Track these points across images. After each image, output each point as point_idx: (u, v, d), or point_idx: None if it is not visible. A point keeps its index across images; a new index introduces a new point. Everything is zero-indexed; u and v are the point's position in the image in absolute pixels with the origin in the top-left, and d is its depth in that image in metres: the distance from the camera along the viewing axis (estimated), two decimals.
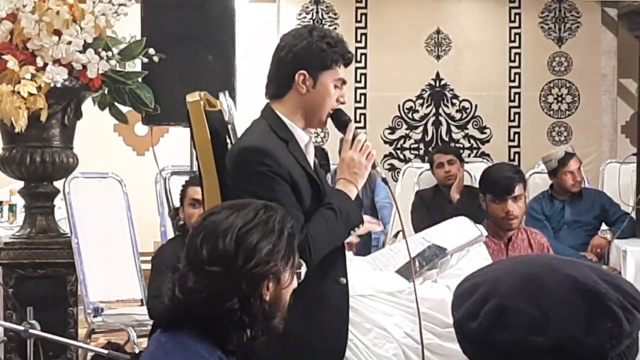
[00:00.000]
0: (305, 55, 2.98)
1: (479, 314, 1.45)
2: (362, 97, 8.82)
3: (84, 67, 4.62)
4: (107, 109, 5.02)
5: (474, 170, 7.06)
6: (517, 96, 8.92)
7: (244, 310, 2.17)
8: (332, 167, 7.40)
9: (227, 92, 3.26)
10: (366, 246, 6.53)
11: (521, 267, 1.51)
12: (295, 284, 2.33)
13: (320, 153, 6.67)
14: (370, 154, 3.03)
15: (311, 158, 3.09)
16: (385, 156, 8.86)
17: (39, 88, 4.50)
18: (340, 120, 3.06)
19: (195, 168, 4.96)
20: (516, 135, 8.93)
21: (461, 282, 1.56)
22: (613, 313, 1.41)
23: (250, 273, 2.16)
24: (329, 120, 3.08)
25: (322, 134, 8.45)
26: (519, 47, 8.91)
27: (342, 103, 3.10)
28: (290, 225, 2.27)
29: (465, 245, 3.13)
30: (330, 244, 2.92)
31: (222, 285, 2.16)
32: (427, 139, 8.90)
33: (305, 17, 8.82)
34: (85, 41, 4.61)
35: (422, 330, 2.93)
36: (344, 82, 3.08)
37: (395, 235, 6.56)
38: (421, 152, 8.86)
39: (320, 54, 2.99)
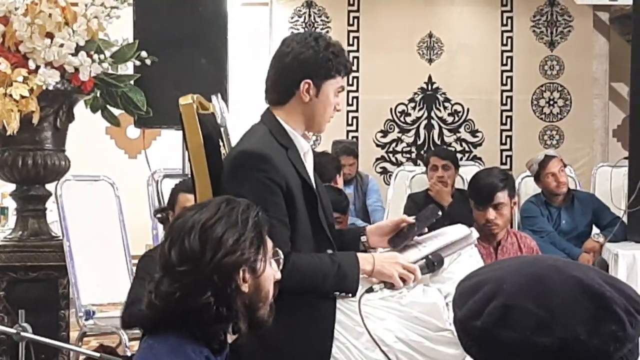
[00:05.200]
0: (312, 64, 2.99)
1: (482, 312, 1.45)
2: (355, 100, 8.82)
3: (76, 70, 4.62)
4: (99, 112, 5.01)
5: (465, 173, 7.08)
6: (509, 100, 8.93)
7: (220, 303, 2.19)
8: None
9: (219, 95, 3.26)
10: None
11: (526, 267, 1.51)
12: (275, 272, 2.34)
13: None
14: (398, 281, 2.96)
15: (310, 166, 3.10)
16: (377, 159, 8.87)
17: (31, 91, 4.50)
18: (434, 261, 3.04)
19: (187, 171, 4.95)
20: (508, 139, 8.94)
21: (463, 280, 1.56)
22: (618, 316, 1.42)
23: (220, 265, 2.19)
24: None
25: (314, 137, 8.44)
26: (511, 50, 8.92)
27: (338, 110, 3.12)
28: (255, 214, 2.29)
29: (455, 242, 3.12)
30: (307, 286, 2.86)
31: (194, 282, 2.18)
32: (419, 142, 8.90)
33: (297, 21, 8.82)
34: (77, 44, 4.61)
35: (411, 333, 2.94)
36: (342, 89, 3.10)
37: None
38: (413, 155, 8.87)
39: (327, 63, 3.01)
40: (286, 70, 3.03)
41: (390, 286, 2.98)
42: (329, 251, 3.00)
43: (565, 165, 6.35)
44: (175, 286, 2.19)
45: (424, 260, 3.05)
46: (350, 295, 2.93)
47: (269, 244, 2.33)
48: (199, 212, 2.25)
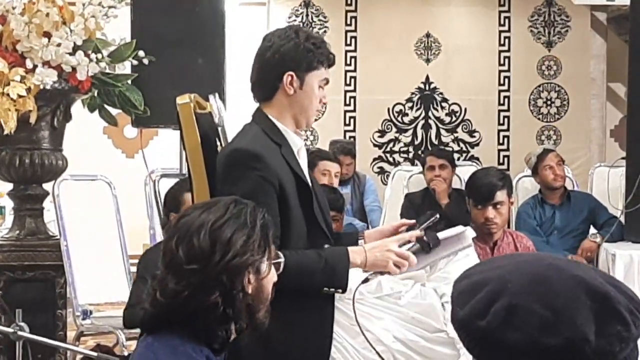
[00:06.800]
0: (293, 56, 3.00)
1: (487, 313, 1.43)
2: (352, 100, 8.82)
3: (74, 69, 4.61)
4: (96, 111, 5.01)
5: (463, 173, 7.08)
6: (506, 100, 8.93)
7: (227, 303, 2.19)
8: None
9: (217, 95, 3.26)
10: None
11: (527, 267, 1.49)
12: (275, 275, 2.35)
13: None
14: (394, 269, 2.92)
15: (304, 162, 3.10)
16: (374, 159, 8.87)
17: (29, 90, 4.49)
18: (429, 239, 3.02)
19: (184, 170, 4.95)
20: (505, 139, 8.94)
21: (461, 279, 1.54)
22: (622, 316, 1.41)
23: (229, 266, 2.19)
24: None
25: (311, 137, 8.45)
26: (508, 50, 8.92)
27: (324, 103, 3.14)
28: (262, 216, 2.30)
29: (451, 238, 3.12)
30: (295, 284, 2.77)
31: (202, 281, 2.18)
32: (417, 142, 8.91)
33: (295, 21, 8.82)
34: (74, 43, 4.60)
35: (409, 333, 2.94)
36: (327, 81, 3.11)
37: None
38: (410, 155, 8.88)
39: (307, 54, 3.01)
40: (269, 64, 3.03)
41: (387, 273, 2.97)
42: (326, 246, 3.00)
43: (563, 161, 6.38)
44: (182, 284, 2.18)
45: (417, 244, 3.01)
46: (340, 291, 2.91)
47: (272, 246, 2.33)
48: (207, 211, 2.25)
